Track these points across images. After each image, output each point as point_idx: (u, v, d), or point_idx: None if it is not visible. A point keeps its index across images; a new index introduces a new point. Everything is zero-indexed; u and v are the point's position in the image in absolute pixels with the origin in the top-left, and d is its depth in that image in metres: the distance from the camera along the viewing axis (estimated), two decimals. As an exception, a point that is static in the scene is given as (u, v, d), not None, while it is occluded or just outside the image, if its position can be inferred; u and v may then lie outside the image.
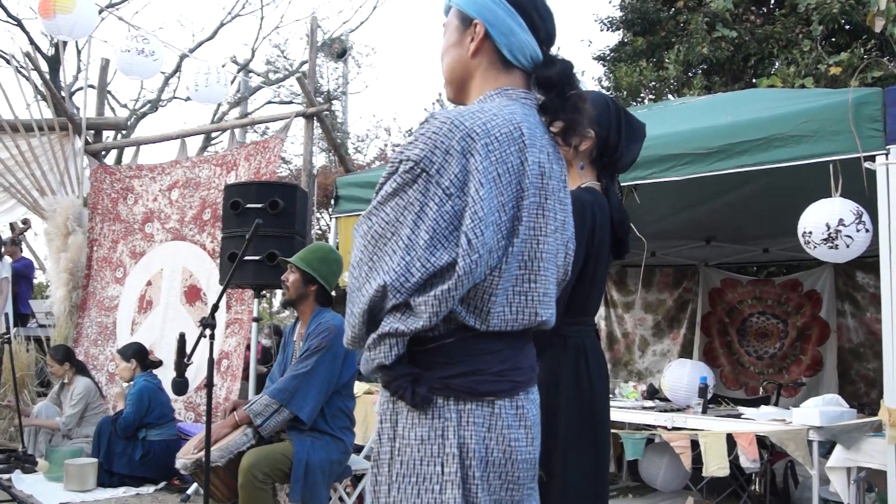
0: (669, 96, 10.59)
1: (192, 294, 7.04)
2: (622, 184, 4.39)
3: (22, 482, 5.65)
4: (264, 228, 4.51)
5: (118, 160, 14.08)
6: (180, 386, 3.54)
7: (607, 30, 12.03)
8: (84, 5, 7.25)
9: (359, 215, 5.92)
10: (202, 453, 3.63)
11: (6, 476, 5.72)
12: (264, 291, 5.71)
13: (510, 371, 1.67)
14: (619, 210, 2.60)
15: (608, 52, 12.16)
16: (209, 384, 3.48)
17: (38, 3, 7.45)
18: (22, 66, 9.00)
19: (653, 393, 5.01)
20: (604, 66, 12.21)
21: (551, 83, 1.77)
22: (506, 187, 1.60)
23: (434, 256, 1.54)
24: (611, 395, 4.69)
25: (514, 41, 1.75)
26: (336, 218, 6.17)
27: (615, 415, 4.46)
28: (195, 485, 5.34)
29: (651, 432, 4.40)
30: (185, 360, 3.50)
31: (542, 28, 1.78)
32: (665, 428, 4.26)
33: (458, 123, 1.58)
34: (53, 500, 5.27)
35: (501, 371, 1.65)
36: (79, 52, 17.85)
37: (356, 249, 1.64)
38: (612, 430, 4.61)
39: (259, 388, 5.32)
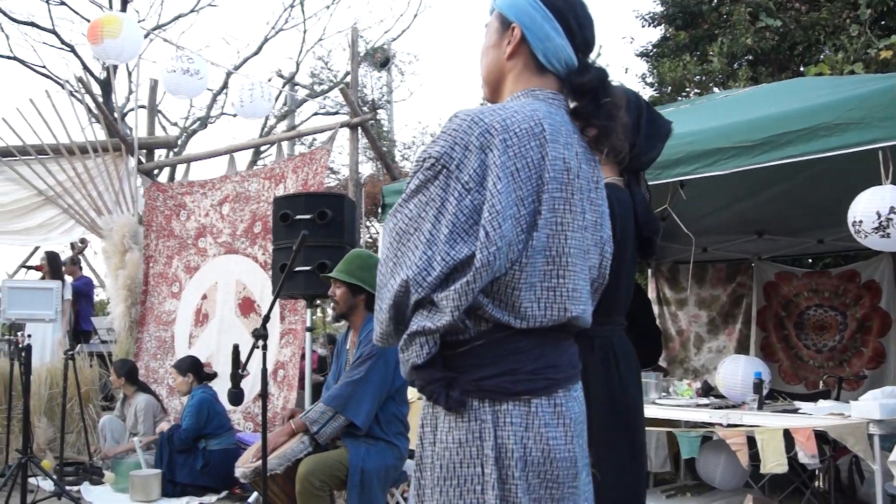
0: (715, 89, 10.46)
1: (247, 306, 7.16)
2: (668, 180, 4.40)
3: (90, 493, 5.81)
4: (314, 239, 4.57)
5: (170, 177, 14.35)
6: (236, 397, 3.58)
7: (649, 25, 11.94)
8: (130, 30, 7.44)
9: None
10: (260, 462, 3.70)
11: (75, 488, 5.88)
12: (317, 301, 5.78)
13: (545, 369, 1.67)
14: (645, 209, 2.58)
15: (651, 47, 12.07)
16: (263, 394, 3.54)
17: (88, 29, 7.68)
18: (76, 91, 9.27)
19: (707, 390, 4.96)
20: (647, 62, 12.12)
21: (585, 90, 1.78)
22: (525, 182, 1.62)
23: (454, 250, 1.57)
24: (664, 394, 4.70)
25: (550, 46, 1.77)
26: (384, 226, 6.23)
27: (669, 413, 4.44)
28: (255, 493, 5.42)
29: (707, 430, 4.36)
30: (241, 371, 3.55)
31: (579, 35, 1.80)
32: (720, 425, 4.21)
33: (477, 120, 1.62)
34: (121, 510, 5.42)
35: (536, 369, 1.66)
36: (129, 73, 18.32)
37: (383, 246, 1.69)
38: (667, 429, 4.61)
39: (315, 397, 5.39)
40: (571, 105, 1.81)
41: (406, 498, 4.50)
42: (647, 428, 4.46)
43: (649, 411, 4.40)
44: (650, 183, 4.34)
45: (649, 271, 8.29)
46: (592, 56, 1.87)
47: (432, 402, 1.67)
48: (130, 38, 7.40)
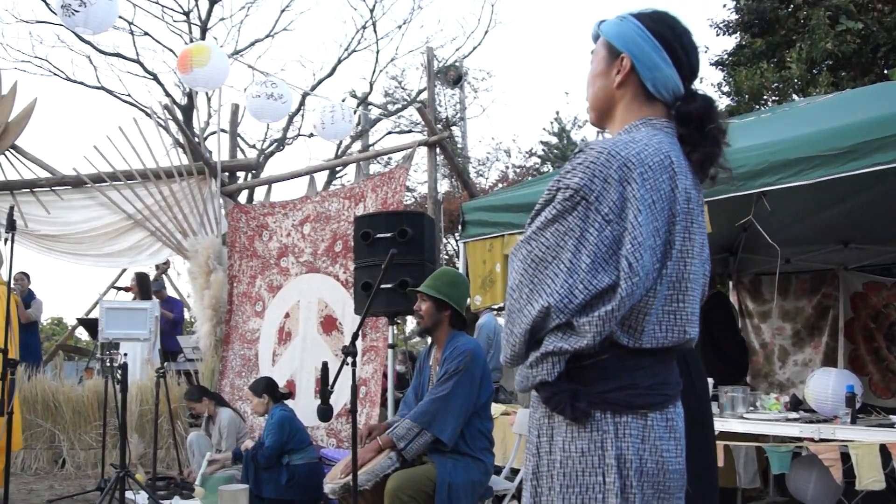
0: (794, 96, 10.25)
1: (329, 324, 7.29)
2: (752, 191, 4.34)
3: (180, 508, 5.96)
4: (395, 257, 4.63)
5: (249, 199, 14.70)
6: (325, 413, 3.64)
7: (723, 34, 11.78)
8: (217, 58, 7.71)
9: (486, 239, 6.04)
10: (349, 478, 3.76)
11: (167, 502, 6.05)
12: (397, 318, 5.85)
13: (660, 385, 1.75)
14: None
15: (726, 56, 11.90)
16: (353, 410, 3.60)
17: (178, 60, 7.98)
18: (160, 118, 9.61)
19: (796, 404, 4.84)
20: (722, 70, 11.96)
21: (691, 117, 1.82)
22: (659, 213, 1.68)
23: (596, 279, 1.64)
24: (752, 408, 4.62)
25: (658, 76, 1.83)
26: (464, 243, 6.26)
27: (758, 427, 4.36)
28: (341, 508, 5.50)
29: (797, 445, 4.26)
30: (329, 387, 3.63)
31: (686, 63, 1.85)
32: (812, 440, 4.11)
33: (614, 153, 1.67)
34: (211, 525, 5.55)
35: (652, 385, 1.73)
36: (209, 99, 18.85)
37: (515, 273, 1.74)
38: (756, 444, 4.52)
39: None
40: (679, 131, 1.85)
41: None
42: (735, 443, 4.42)
43: (737, 426, 4.34)
44: (733, 195, 4.32)
45: (730, 283, 8.15)
46: None
47: (556, 413, 1.73)
48: (218, 65, 7.67)
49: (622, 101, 1.87)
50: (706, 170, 1.84)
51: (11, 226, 4.75)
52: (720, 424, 4.32)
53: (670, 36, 1.83)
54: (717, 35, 11.87)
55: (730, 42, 11.85)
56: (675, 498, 1.75)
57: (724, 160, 1.86)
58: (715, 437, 2.73)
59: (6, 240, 4.78)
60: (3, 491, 4.57)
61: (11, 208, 4.92)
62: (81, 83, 18.67)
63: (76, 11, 6.85)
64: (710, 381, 4.87)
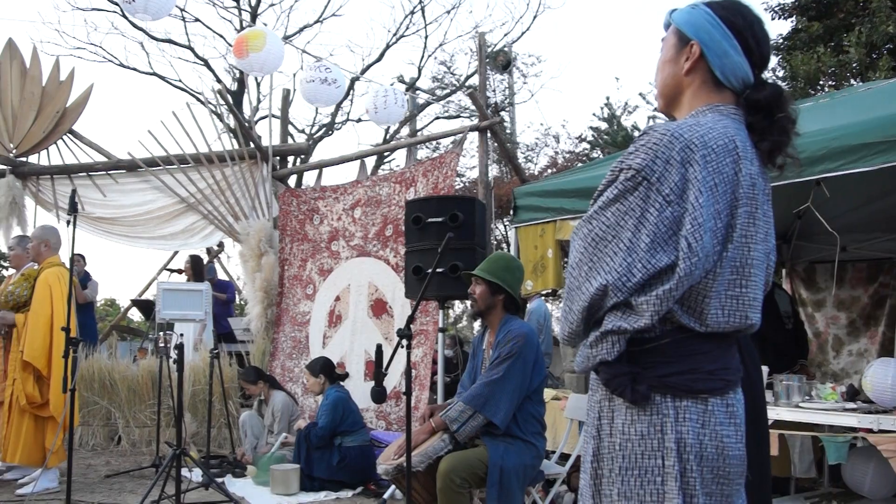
0: (852, 81, 10.03)
1: (379, 307, 7.34)
2: (812, 178, 4.27)
3: (233, 485, 6.04)
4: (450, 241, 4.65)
5: (298, 183, 14.82)
6: (379, 394, 3.68)
7: (779, 18, 11.57)
8: (273, 43, 7.77)
9: (538, 224, 6.02)
10: (402, 459, 3.80)
11: (219, 480, 6.16)
12: (447, 302, 5.88)
13: (721, 370, 1.75)
14: None
15: (781, 40, 11.68)
16: (408, 392, 3.64)
17: (233, 45, 8.07)
18: (212, 103, 9.73)
19: (853, 394, 4.76)
20: (777, 55, 11.73)
21: (760, 106, 1.82)
22: (721, 196, 1.69)
23: (654, 258, 1.65)
24: (807, 397, 4.56)
25: (728, 63, 1.83)
26: (515, 228, 6.25)
27: (814, 417, 4.30)
28: (390, 489, 5.56)
29: (854, 435, 4.20)
30: (383, 370, 3.66)
31: (756, 52, 1.84)
32: (870, 431, 4.05)
33: (677, 135, 1.68)
34: (263, 502, 5.64)
35: (713, 370, 1.73)
36: (258, 84, 19.02)
37: (575, 251, 1.76)
38: (812, 433, 4.47)
39: (446, 397, 5.49)
40: (748, 119, 1.85)
41: (542, 498, 4.53)
42: (790, 432, 4.37)
43: (793, 415, 4.28)
44: (792, 181, 4.26)
45: (783, 272, 8.02)
46: None
47: (616, 395, 1.75)
48: (273, 50, 7.74)
49: (690, 88, 1.88)
50: (774, 158, 1.84)
51: (73, 208, 4.85)
52: (775, 413, 4.27)
53: (741, 24, 1.83)
54: (773, 19, 11.66)
55: (785, 26, 11.66)
56: (735, 483, 1.75)
57: (793, 149, 1.85)
58: (767, 425, 2.72)
59: (68, 222, 4.87)
60: (67, 464, 4.69)
61: (73, 191, 5.02)
62: (134, 69, 18.96)
63: (136, -2, 6.95)
64: (766, 368, 4.82)
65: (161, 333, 6.77)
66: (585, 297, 1.71)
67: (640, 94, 19.27)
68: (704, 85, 1.86)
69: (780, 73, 11.39)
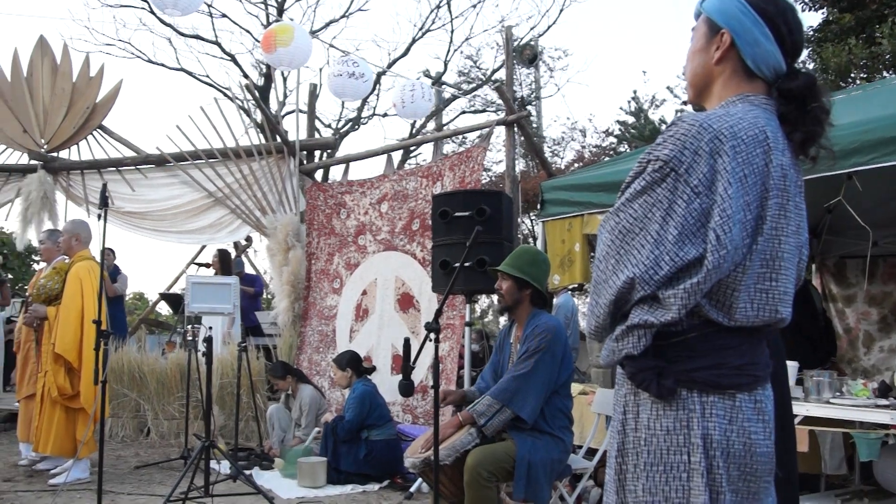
0: (884, 73, 9.89)
1: (406, 301, 7.36)
2: (843, 171, 4.22)
3: (260, 478, 6.06)
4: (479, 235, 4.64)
5: (324, 178, 14.88)
6: (406, 388, 3.67)
7: (810, 9, 11.43)
8: (301, 38, 7.80)
9: (565, 219, 6.00)
10: (429, 452, 3.80)
11: (247, 472, 6.21)
12: (474, 297, 5.88)
13: (749, 366, 1.72)
14: None
15: (812, 32, 11.54)
16: (435, 386, 3.64)
17: (262, 40, 8.11)
18: (239, 98, 9.78)
19: (885, 390, 4.70)
20: (808, 47, 11.59)
21: (793, 95, 1.79)
22: (751, 188, 1.65)
23: (682, 251, 1.62)
24: (838, 393, 4.51)
25: (759, 52, 1.79)
26: (542, 222, 6.23)
27: (845, 413, 4.25)
28: (417, 483, 5.57)
29: (886, 432, 4.15)
30: (411, 363, 3.66)
31: (788, 40, 1.81)
32: (903, 427, 4.00)
33: (706, 126, 1.65)
34: (290, 495, 5.65)
35: (741, 365, 1.70)
36: (285, 79, 19.10)
37: (602, 244, 1.74)
38: (843, 430, 4.42)
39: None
40: (780, 110, 1.81)
41: (569, 492, 4.52)
42: (820, 428, 4.33)
43: (823, 411, 4.24)
44: (823, 175, 4.21)
45: (814, 267, 7.94)
46: None
47: (641, 389, 1.73)
48: (301, 45, 7.77)
49: (721, 78, 1.84)
50: (807, 149, 1.80)
51: (104, 203, 4.89)
52: (805, 409, 4.23)
53: (773, 12, 1.79)
54: (804, 10, 11.52)
55: (816, 17, 11.47)
56: (763, 481, 1.72)
57: (827, 140, 1.81)
58: (794, 421, 2.70)
59: (98, 216, 4.92)
60: (98, 455, 4.75)
61: (104, 185, 5.06)
62: (162, 65, 19.10)
63: (166, -7, 7.00)
64: (796, 364, 4.77)
65: (189, 327, 6.82)
66: (612, 291, 1.69)
67: (668, 88, 19.17)
68: (735, 74, 1.82)
69: (811, 66, 11.25)
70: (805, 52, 11.69)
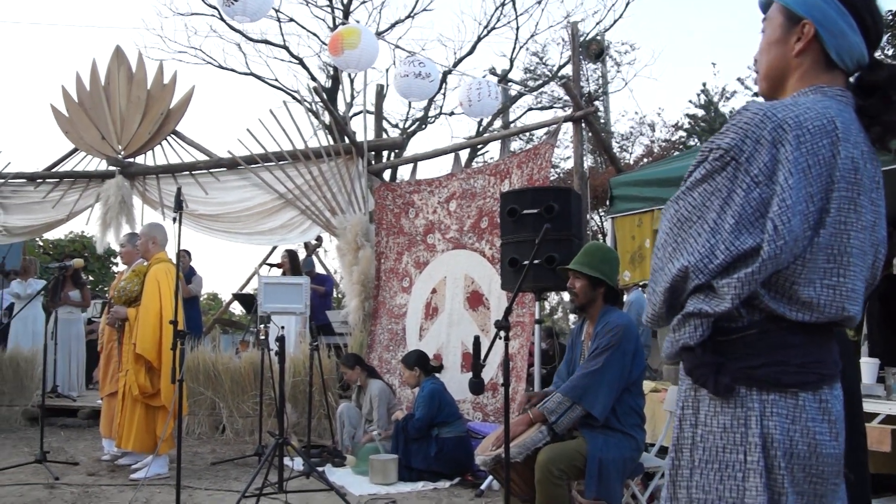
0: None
1: (475, 299, 7.36)
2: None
3: (332, 474, 6.15)
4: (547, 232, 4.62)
5: (392, 177, 14.99)
6: (477, 386, 3.67)
7: (888, -5, 11.06)
8: (368, 40, 7.87)
9: (635, 214, 5.94)
10: (500, 450, 3.79)
11: (319, 469, 6.29)
12: (544, 294, 5.85)
13: (813, 364, 1.66)
14: None
15: (891, 16, 11.16)
16: (506, 384, 3.63)
17: (329, 43, 8.22)
18: (308, 101, 9.92)
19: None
20: (886, 32, 11.22)
21: (876, 87, 1.72)
22: (815, 179, 1.60)
23: (739, 240, 1.59)
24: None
25: (844, 43, 1.72)
26: (612, 218, 6.17)
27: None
28: (487, 480, 5.57)
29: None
30: (481, 361, 3.66)
31: (874, 30, 1.74)
32: None
33: (770, 115, 1.61)
34: (362, 491, 5.72)
35: (804, 363, 1.65)
36: (352, 80, 19.30)
37: (661, 232, 1.72)
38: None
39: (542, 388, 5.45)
40: (858, 102, 1.74)
41: (641, 491, 4.47)
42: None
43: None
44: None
45: (895, 262, 7.67)
46: None
47: (699, 386, 1.69)
48: (368, 47, 7.84)
49: (798, 70, 1.77)
50: (887, 143, 1.73)
51: (179, 206, 5.01)
52: (887, 408, 4.11)
53: (859, 1, 1.71)
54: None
55: (893, 1, 11.10)
56: (830, 483, 1.66)
57: None
58: (864, 421, 2.62)
59: (174, 219, 5.04)
60: (177, 452, 4.87)
61: (179, 189, 5.20)
62: (232, 70, 19.50)
63: (235, 0, 7.14)
64: (876, 361, 4.63)
65: (262, 326, 6.94)
66: (667, 279, 1.66)
67: (739, 80, 18.77)
68: (814, 66, 1.75)
69: (890, 52, 10.89)
70: (884, 38, 11.33)
